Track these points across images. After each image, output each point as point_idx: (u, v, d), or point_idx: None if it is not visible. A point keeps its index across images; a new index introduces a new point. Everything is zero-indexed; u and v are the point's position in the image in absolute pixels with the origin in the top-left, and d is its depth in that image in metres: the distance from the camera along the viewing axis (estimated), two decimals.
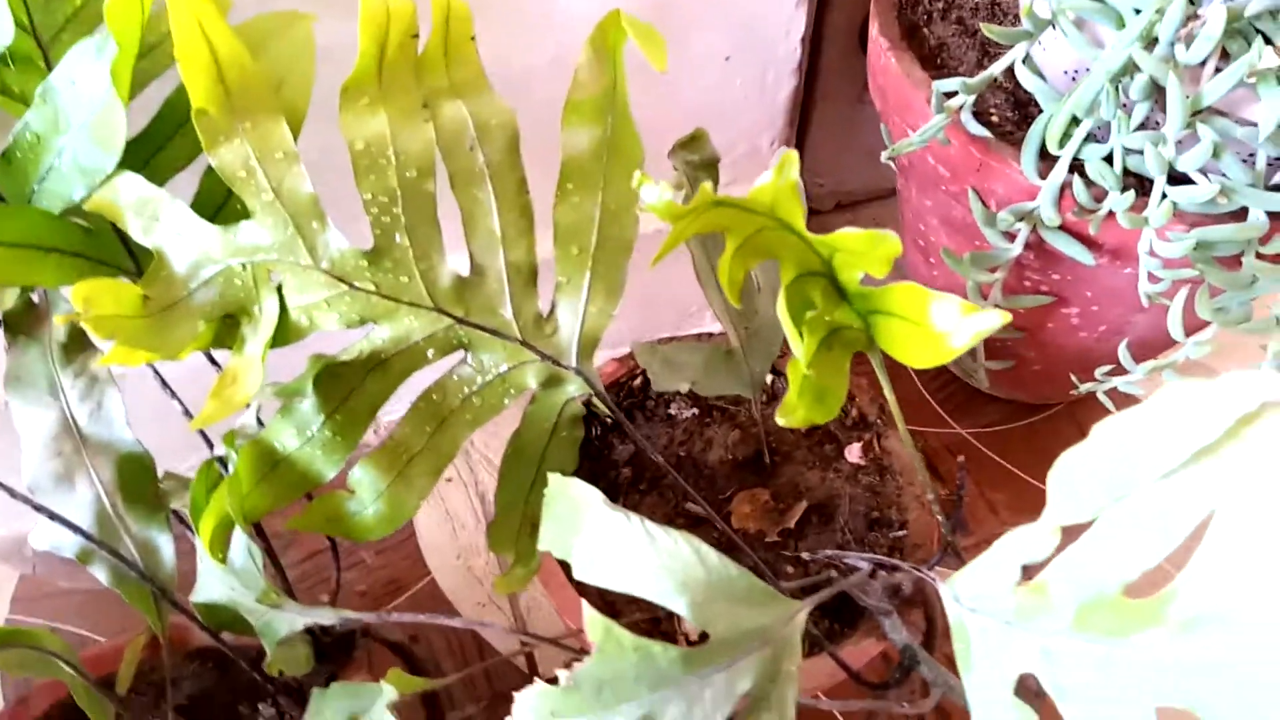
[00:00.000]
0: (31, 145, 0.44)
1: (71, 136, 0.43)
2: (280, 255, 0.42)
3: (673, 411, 0.65)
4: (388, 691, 0.39)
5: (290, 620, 0.43)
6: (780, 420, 0.39)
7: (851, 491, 0.62)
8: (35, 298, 0.51)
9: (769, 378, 0.67)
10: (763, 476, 0.63)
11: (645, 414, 0.65)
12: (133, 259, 0.49)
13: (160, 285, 0.43)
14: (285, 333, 0.44)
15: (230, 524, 0.44)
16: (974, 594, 0.37)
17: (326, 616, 0.42)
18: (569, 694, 0.34)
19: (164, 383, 0.51)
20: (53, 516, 0.45)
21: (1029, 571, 0.36)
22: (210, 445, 0.51)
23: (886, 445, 0.63)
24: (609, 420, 0.66)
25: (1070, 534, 0.35)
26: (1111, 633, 0.31)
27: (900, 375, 0.94)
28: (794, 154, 0.34)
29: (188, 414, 0.51)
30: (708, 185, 0.34)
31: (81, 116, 0.42)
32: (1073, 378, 0.72)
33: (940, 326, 0.37)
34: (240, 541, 0.42)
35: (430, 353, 0.45)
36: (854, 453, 0.63)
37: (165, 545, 0.48)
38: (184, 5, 0.38)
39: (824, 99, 0.92)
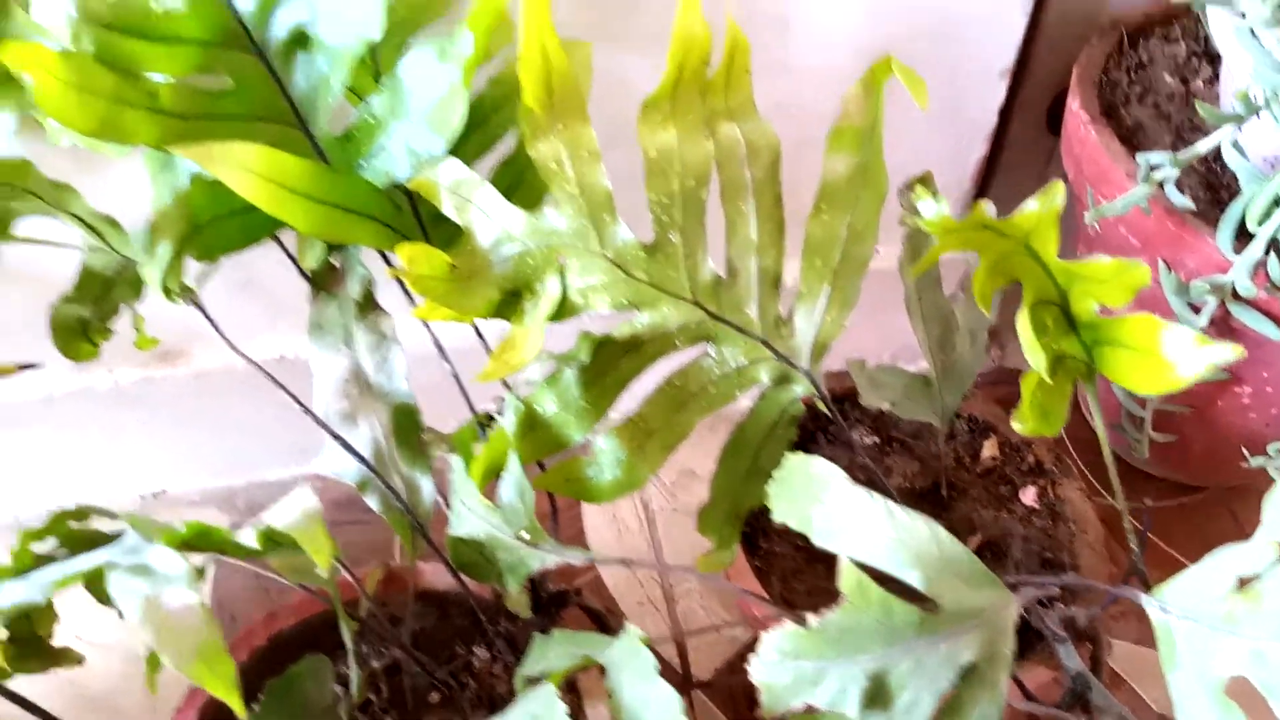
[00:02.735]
0: (369, 127, 0.53)
1: (408, 123, 0.51)
2: (573, 241, 0.49)
3: (855, 437, 0.70)
4: (633, 630, 0.44)
5: (543, 558, 0.49)
6: (1015, 425, 0.43)
7: (1025, 532, 0.65)
8: (335, 261, 0.59)
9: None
10: (937, 509, 0.67)
11: (828, 437, 0.70)
12: (424, 234, 0.56)
13: (465, 256, 0.50)
14: (561, 309, 0.51)
15: (500, 466, 0.50)
16: (1183, 601, 0.40)
17: (576, 556, 0.48)
18: (814, 637, 0.39)
19: (440, 349, 0.58)
20: (345, 446, 0.53)
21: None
22: (470, 406, 0.58)
23: (1061, 493, 0.66)
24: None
25: None
26: None
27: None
28: (1060, 184, 0.39)
29: (456, 377, 0.58)
30: (983, 205, 0.39)
31: (421, 106, 0.50)
32: (1244, 450, 0.74)
33: (1170, 355, 0.41)
34: (512, 481, 0.48)
35: (679, 341, 0.51)
36: (1029, 496, 0.66)
37: (426, 486, 0.55)
38: (533, 23, 0.46)
39: (1006, 170, 0.97)
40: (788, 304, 0.52)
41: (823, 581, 0.63)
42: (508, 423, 0.49)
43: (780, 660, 0.39)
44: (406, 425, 0.56)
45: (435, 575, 0.62)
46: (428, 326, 0.58)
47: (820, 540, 0.42)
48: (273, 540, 0.38)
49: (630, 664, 0.43)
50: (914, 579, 0.40)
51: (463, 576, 0.55)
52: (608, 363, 0.51)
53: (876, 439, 0.70)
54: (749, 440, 0.54)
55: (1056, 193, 0.40)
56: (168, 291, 0.50)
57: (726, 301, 0.51)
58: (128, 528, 0.44)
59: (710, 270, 0.50)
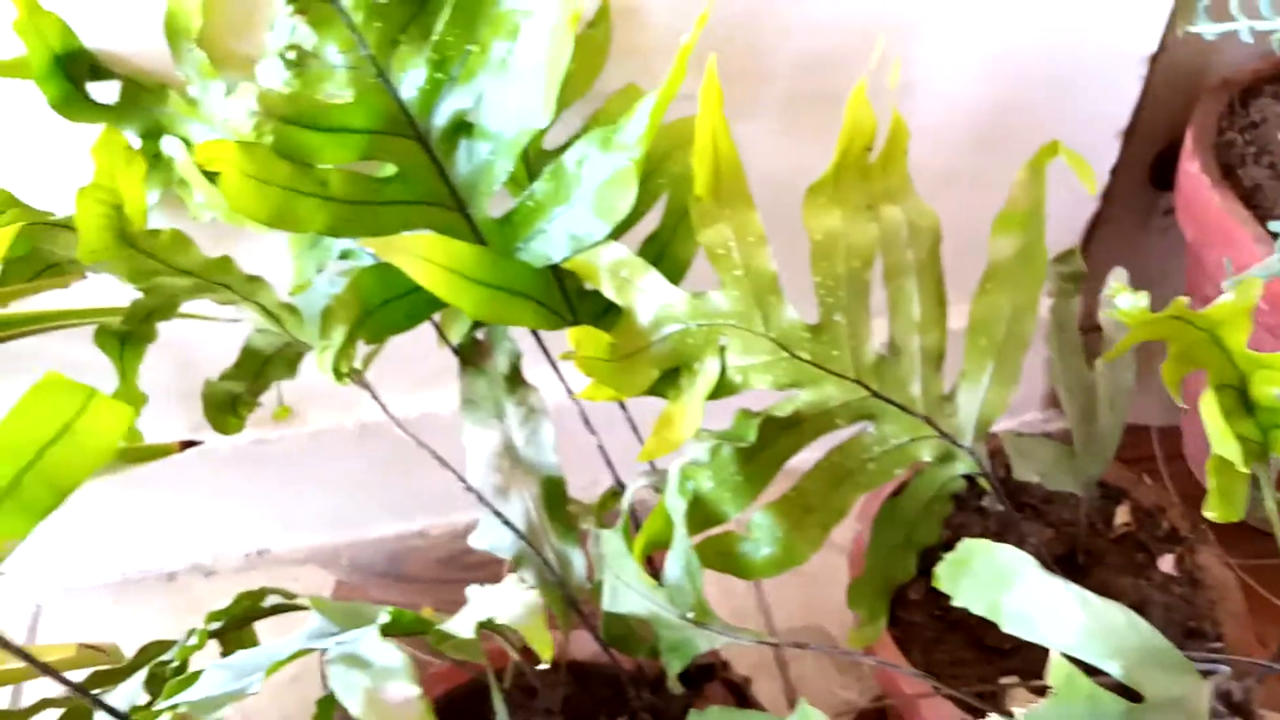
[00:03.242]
0: (529, 211, 0.54)
1: (570, 208, 0.52)
2: (737, 322, 0.50)
3: (984, 504, 0.69)
4: (813, 712, 0.44)
5: (710, 638, 0.49)
6: (1206, 513, 0.43)
7: (1165, 600, 0.64)
8: (480, 335, 0.60)
9: None
10: (1073, 576, 0.66)
11: (959, 504, 0.70)
12: (570, 309, 0.57)
13: (625, 336, 0.51)
14: (720, 388, 0.51)
15: (660, 543, 0.50)
16: None
17: (747, 638, 0.48)
18: None
19: (587, 421, 0.59)
20: (505, 522, 0.53)
21: None
22: (614, 473, 0.59)
23: (1199, 560, 0.65)
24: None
25: None
26: None
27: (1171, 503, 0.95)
28: (1257, 281, 0.39)
29: (601, 449, 0.59)
30: (1183, 300, 0.39)
31: (585, 193, 0.51)
32: None
33: None
34: (681, 561, 0.49)
35: (840, 420, 0.51)
36: (1166, 563, 0.65)
37: (577, 559, 0.56)
38: (708, 116, 0.47)
39: (1107, 224, 0.96)
40: (948, 381, 0.52)
41: (963, 651, 0.63)
42: (674, 502, 0.50)
43: None
44: (555, 498, 0.57)
45: (576, 644, 0.62)
46: (576, 401, 0.59)
47: (1011, 628, 0.42)
48: (485, 628, 0.39)
49: None
50: (1112, 668, 0.40)
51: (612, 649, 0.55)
52: (766, 440, 0.51)
53: (1009, 505, 0.69)
54: (904, 515, 0.54)
55: (1252, 288, 0.40)
56: (338, 373, 0.51)
57: (890, 380, 0.51)
58: (314, 611, 0.45)
59: (874, 349, 0.51)
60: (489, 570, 0.96)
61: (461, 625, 0.39)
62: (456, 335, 0.60)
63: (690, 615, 0.50)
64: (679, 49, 0.46)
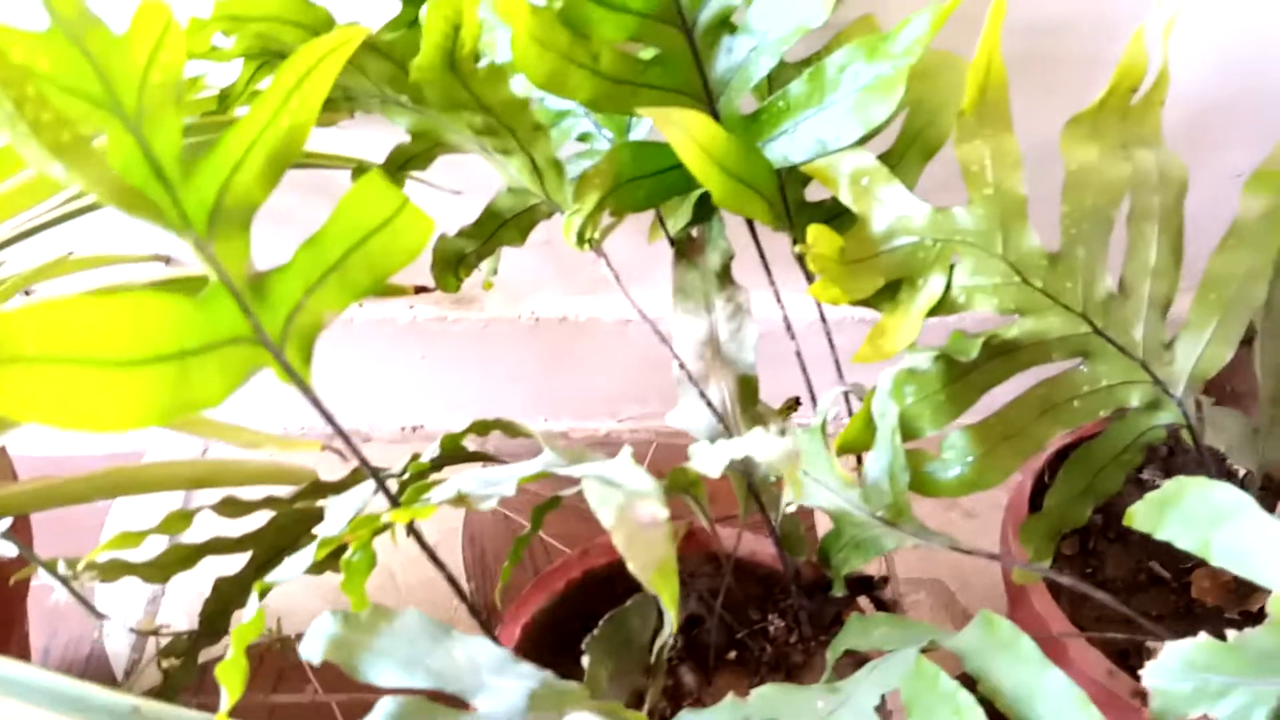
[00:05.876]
0: (779, 112, 0.56)
1: (823, 111, 0.54)
2: (976, 241, 0.51)
3: (1144, 476, 0.70)
4: (998, 619, 0.45)
5: (899, 538, 0.51)
6: None
7: None
8: (694, 233, 0.63)
9: None
10: None
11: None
12: (789, 218, 0.59)
13: (857, 242, 0.53)
14: (940, 305, 0.53)
15: (858, 444, 0.52)
16: None
17: (940, 541, 0.50)
18: (1230, 653, 0.40)
19: (789, 327, 0.61)
20: (707, 403, 0.56)
21: None
22: (807, 380, 0.61)
23: None
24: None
25: None
26: None
27: None
28: None
29: (798, 355, 0.61)
30: None
31: (841, 97, 0.53)
32: None
33: None
34: (886, 460, 0.51)
35: (1055, 353, 0.53)
36: None
37: None
38: (990, 36, 0.48)
39: None
40: (1169, 332, 0.53)
41: (1108, 612, 0.63)
42: (885, 406, 0.52)
43: (1184, 670, 0.40)
44: (749, 394, 0.59)
45: (727, 540, 0.64)
46: (781, 305, 0.61)
47: (1222, 562, 0.43)
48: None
49: (1006, 651, 0.44)
50: None
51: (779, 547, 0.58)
52: (978, 362, 0.53)
53: (1164, 475, 0.69)
54: (1096, 460, 0.55)
55: None
56: (581, 240, 0.54)
57: (1115, 320, 0.52)
58: (545, 447, 0.48)
59: (1106, 287, 0.52)
60: None
61: (708, 463, 0.42)
62: (674, 227, 0.62)
63: (881, 514, 0.52)
64: None
